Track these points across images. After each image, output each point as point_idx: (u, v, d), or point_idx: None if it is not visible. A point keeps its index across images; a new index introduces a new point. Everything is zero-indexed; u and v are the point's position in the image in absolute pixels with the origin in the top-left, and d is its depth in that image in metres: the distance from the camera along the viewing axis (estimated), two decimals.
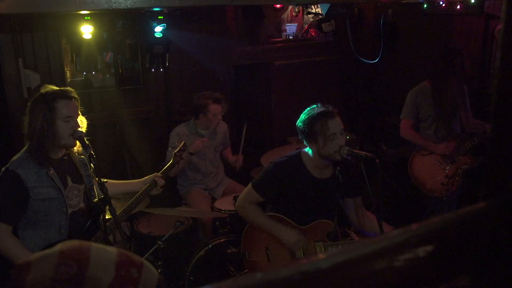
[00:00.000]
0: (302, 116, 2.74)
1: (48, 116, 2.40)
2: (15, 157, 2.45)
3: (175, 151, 3.20)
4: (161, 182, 2.87)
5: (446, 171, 3.92)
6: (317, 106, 2.74)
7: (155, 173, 2.92)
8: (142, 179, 2.90)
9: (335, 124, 2.64)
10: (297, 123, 2.77)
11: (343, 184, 2.80)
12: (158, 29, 4.65)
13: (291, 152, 2.99)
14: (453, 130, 4.00)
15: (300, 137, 2.80)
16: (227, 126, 4.48)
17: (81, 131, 2.49)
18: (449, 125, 3.97)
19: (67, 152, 2.58)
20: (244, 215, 2.89)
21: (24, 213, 2.41)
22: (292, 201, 2.81)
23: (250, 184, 2.89)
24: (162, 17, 4.62)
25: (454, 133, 4.00)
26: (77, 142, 2.52)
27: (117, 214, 2.55)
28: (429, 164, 3.95)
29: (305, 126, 2.69)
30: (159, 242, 3.29)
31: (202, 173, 4.26)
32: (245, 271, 3.21)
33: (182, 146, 3.26)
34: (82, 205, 2.61)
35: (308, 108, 2.76)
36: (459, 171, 3.92)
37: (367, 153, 2.55)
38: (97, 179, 2.46)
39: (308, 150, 2.80)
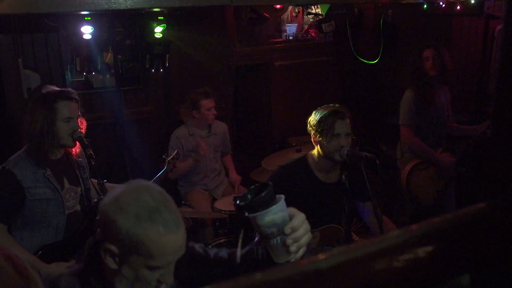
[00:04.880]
0: (314, 112, 2.76)
1: (48, 117, 2.40)
2: (12, 157, 2.45)
3: (169, 158, 3.21)
4: None
5: (437, 186, 3.85)
6: (332, 105, 2.75)
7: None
8: None
9: (342, 125, 2.66)
10: (308, 119, 2.78)
11: (349, 190, 2.79)
12: (158, 29, 4.65)
13: (298, 156, 3.02)
14: (441, 136, 3.93)
15: (308, 132, 2.80)
16: (227, 127, 4.49)
17: (81, 132, 2.49)
18: (437, 131, 3.91)
19: (65, 153, 2.58)
20: None
21: (19, 213, 2.40)
22: (299, 204, 2.79)
23: None
24: (162, 18, 4.62)
25: (442, 142, 3.92)
26: (77, 142, 2.52)
27: None
28: (425, 179, 3.86)
29: (314, 122, 2.71)
30: None
31: (203, 173, 4.26)
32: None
33: (175, 154, 3.27)
34: (78, 207, 2.60)
35: (323, 106, 2.78)
36: (448, 184, 3.87)
37: (367, 154, 2.55)
38: (97, 181, 2.46)
39: (313, 151, 2.81)
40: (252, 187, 1.24)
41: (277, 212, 1.17)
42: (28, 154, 2.43)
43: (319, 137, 2.69)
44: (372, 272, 0.55)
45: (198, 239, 3.96)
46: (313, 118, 2.73)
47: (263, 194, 1.18)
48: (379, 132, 5.60)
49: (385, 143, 4.88)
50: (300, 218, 1.24)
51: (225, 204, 3.80)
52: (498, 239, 0.64)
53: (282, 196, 1.21)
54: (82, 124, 2.55)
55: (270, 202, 1.17)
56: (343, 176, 2.76)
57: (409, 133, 3.88)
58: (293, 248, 1.21)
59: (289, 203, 2.83)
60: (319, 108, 2.77)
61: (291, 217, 1.22)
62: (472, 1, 4.33)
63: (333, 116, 2.65)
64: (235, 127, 5.59)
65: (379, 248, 0.58)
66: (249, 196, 1.22)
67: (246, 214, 1.19)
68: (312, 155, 2.82)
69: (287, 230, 1.21)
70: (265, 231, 1.18)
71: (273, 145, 5.58)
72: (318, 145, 2.73)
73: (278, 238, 1.17)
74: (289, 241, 1.20)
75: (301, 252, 1.23)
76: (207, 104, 4.09)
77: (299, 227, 1.22)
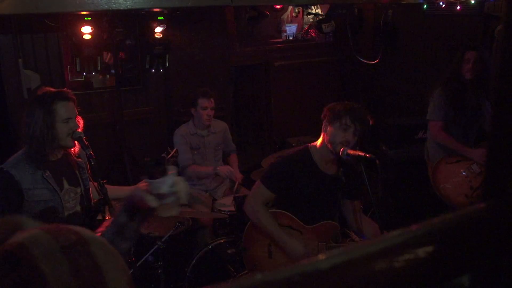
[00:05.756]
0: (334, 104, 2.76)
1: (47, 119, 2.39)
2: (11, 158, 2.44)
3: (168, 157, 3.20)
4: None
5: (471, 182, 3.69)
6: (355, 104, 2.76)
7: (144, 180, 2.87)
8: (135, 186, 2.87)
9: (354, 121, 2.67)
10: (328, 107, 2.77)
11: (345, 185, 2.80)
12: (158, 29, 4.65)
13: (298, 147, 2.99)
14: (471, 142, 3.81)
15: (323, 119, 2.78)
16: (227, 126, 4.49)
17: (80, 132, 2.49)
18: (467, 135, 3.82)
19: (64, 154, 2.57)
20: (253, 217, 2.81)
21: (18, 214, 2.39)
22: (298, 196, 2.79)
23: (258, 182, 2.81)
24: (162, 18, 4.62)
25: (480, 140, 3.80)
26: (76, 143, 2.51)
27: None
28: (454, 174, 3.72)
29: (332, 110, 2.71)
30: (159, 243, 3.29)
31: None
32: (244, 271, 3.20)
33: (175, 152, 3.27)
34: (78, 207, 2.59)
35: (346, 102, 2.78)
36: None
37: (367, 154, 2.54)
38: (96, 182, 2.45)
39: (316, 143, 2.81)
40: (151, 159, 1.65)
41: (173, 178, 1.59)
42: (27, 156, 2.42)
43: (330, 127, 2.68)
44: (372, 272, 0.55)
45: (198, 239, 3.96)
46: (331, 109, 2.71)
47: (162, 165, 1.61)
48: (379, 132, 5.60)
49: (385, 144, 4.88)
50: (184, 182, 1.64)
51: (225, 205, 3.80)
52: (498, 239, 0.64)
53: (175, 167, 1.64)
54: (80, 123, 2.54)
55: (166, 170, 1.62)
56: (339, 172, 2.77)
57: (436, 127, 3.75)
58: (182, 202, 1.64)
59: (290, 194, 2.81)
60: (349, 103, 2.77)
61: (177, 182, 1.61)
62: (472, 1, 4.33)
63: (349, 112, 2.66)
64: (235, 127, 5.60)
65: (379, 248, 0.58)
66: (151, 163, 1.62)
67: (150, 181, 1.60)
68: (314, 146, 2.81)
69: (179, 190, 1.61)
70: (164, 192, 1.59)
71: (273, 145, 5.59)
72: (326, 135, 2.72)
73: (173, 197, 1.58)
74: (182, 198, 1.60)
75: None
76: (203, 103, 4.12)
77: (185, 188, 1.63)
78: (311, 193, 2.78)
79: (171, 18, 4.75)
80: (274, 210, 2.84)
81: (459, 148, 3.71)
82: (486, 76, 3.74)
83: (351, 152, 2.59)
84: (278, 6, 5.56)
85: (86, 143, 2.46)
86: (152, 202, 1.60)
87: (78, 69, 4.65)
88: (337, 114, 2.65)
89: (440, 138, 3.76)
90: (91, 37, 4.36)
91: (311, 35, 5.95)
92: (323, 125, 2.75)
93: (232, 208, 3.60)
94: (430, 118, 3.82)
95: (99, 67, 4.82)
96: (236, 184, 4.30)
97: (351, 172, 2.83)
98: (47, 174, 2.43)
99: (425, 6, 4.98)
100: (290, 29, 5.88)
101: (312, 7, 5.69)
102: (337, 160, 2.78)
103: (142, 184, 2.02)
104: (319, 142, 2.79)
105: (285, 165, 2.80)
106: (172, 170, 1.61)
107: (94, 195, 2.68)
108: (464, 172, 3.72)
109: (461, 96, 3.75)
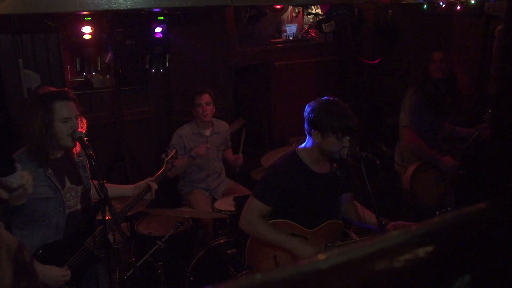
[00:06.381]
0: (319, 106, 2.62)
1: (46, 118, 2.40)
2: (13, 156, 2.44)
3: (167, 158, 3.21)
4: (154, 186, 2.85)
5: (439, 188, 3.86)
6: (340, 104, 2.63)
7: (148, 178, 2.90)
8: (136, 184, 2.89)
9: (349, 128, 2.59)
10: (309, 112, 2.63)
11: (341, 180, 2.78)
12: (158, 29, 4.65)
13: (286, 152, 2.88)
14: (440, 139, 3.92)
15: (307, 125, 2.66)
16: (228, 126, 4.51)
17: (81, 132, 2.49)
18: (437, 135, 3.90)
19: (66, 153, 2.58)
20: (253, 232, 2.72)
21: (19, 211, 2.40)
22: (297, 202, 2.72)
23: (251, 197, 2.73)
24: (162, 18, 4.63)
25: (442, 145, 3.92)
26: (77, 143, 2.51)
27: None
28: (427, 181, 3.85)
29: (321, 117, 2.58)
30: (159, 243, 3.29)
31: (205, 172, 4.28)
32: (244, 271, 3.20)
33: (174, 154, 3.28)
34: (79, 206, 2.60)
35: (331, 100, 2.66)
36: (448, 187, 3.87)
37: (367, 154, 2.53)
38: (96, 181, 2.45)
39: (305, 144, 2.74)
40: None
41: (20, 173, 1.83)
42: (29, 153, 2.43)
43: (322, 135, 2.59)
44: (372, 272, 0.55)
45: (198, 239, 3.96)
46: (318, 115, 2.58)
47: (10, 163, 1.86)
48: (379, 132, 5.60)
49: (384, 144, 4.88)
50: (29, 175, 1.89)
51: (225, 205, 3.80)
52: (498, 239, 0.64)
53: (19, 165, 1.86)
54: (83, 124, 2.54)
55: (14, 168, 1.85)
56: (334, 168, 2.75)
57: (413, 135, 3.82)
58: (29, 192, 1.90)
59: (287, 202, 2.77)
60: (323, 103, 2.63)
61: (23, 176, 1.85)
62: (472, 1, 4.33)
63: (342, 119, 2.56)
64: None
65: (379, 248, 0.58)
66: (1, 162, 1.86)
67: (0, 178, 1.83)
68: (303, 149, 2.73)
69: (25, 183, 1.86)
70: (14, 186, 1.82)
71: (273, 145, 5.59)
72: (318, 141, 2.62)
73: (21, 189, 1.84)
74: (28, 189, 1.87)
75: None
76: (196, 100, 4.18)
77: (30, 180, 1.88)
78: (309, 198, 2.72)
79: (171, 18, 4.75)
80: (272, 220, 2.74)
81: (431, 157, 3.82)
82: (454, 79, 3.88)
83: (350, 152, 2.58)
84: (278, 6, 5.56)
85: (86, 143, 2.46)
86: (3, 194, 1.87)
87: (78, 69, 4.65)
88: (328, 126, 2.56)
89: (416, 145, 3.84)
90: (91, 37, 4.36)
91: (311, 35, 5.94)
92: (312, 131, 2.63)
93: (232, 208, 3.60)
94: (405, 124, 3.87)
95: (99, 67, 4.82)
96: (238, 165, 4.36)
97: (343, 166, 2.80)
98: (49, 172, 2.44)
99: (425, 6, 4.98)
100: (290, 29, 5.87)
101: (312, 7, 5.69)
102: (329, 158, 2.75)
103: None
104: (308, 144, 2.70)
105: (277, 176, 2.70)
106: (18, 166, 1.87)
107: (94, 195, 2.69)
108: (434, 179, 3.86)
109: (437, 97, 3.81)
